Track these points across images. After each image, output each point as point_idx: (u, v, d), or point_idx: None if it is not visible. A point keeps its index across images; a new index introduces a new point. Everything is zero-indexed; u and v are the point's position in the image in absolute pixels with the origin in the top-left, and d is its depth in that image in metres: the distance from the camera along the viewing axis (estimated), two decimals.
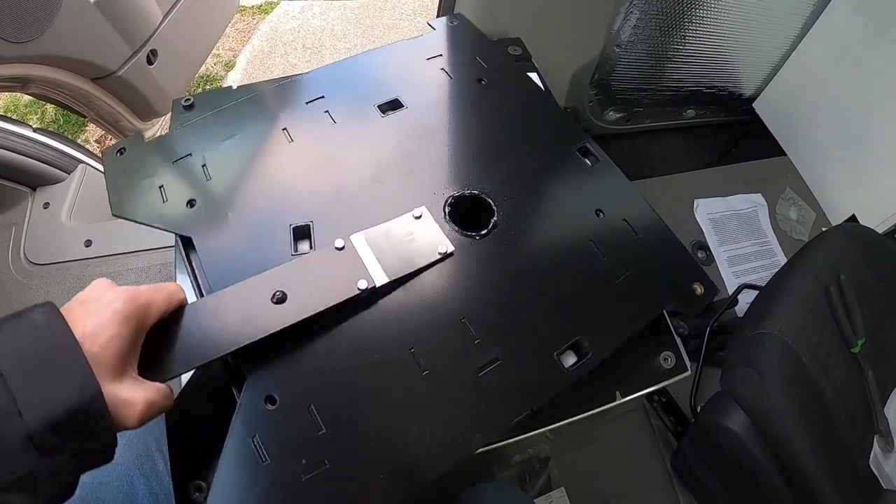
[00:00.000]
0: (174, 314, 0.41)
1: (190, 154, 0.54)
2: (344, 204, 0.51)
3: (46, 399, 0.31)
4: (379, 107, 0.58)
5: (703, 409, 0.73)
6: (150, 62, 1.04)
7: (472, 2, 0.78)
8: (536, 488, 0.77)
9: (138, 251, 0.91)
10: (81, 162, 1.02)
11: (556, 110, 0.61)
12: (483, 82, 0.61)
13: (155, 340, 0.39)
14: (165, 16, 1.06)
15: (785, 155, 1.07)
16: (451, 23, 0.67)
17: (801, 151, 1.05)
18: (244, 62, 1.91)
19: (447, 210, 0.51)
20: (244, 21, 2.00)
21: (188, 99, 0.58)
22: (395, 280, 0.46)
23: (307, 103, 0.58)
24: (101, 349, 0.33)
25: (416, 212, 0.50)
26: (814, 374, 0.65)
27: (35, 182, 0.98)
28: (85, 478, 0.33)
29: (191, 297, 0.48)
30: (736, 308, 0.90)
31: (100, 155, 1.11)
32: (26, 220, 0.94)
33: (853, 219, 0.96)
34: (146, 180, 0.52)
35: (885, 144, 0.90)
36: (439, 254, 0.48)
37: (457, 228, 0.50)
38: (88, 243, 0.92)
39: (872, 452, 0.66)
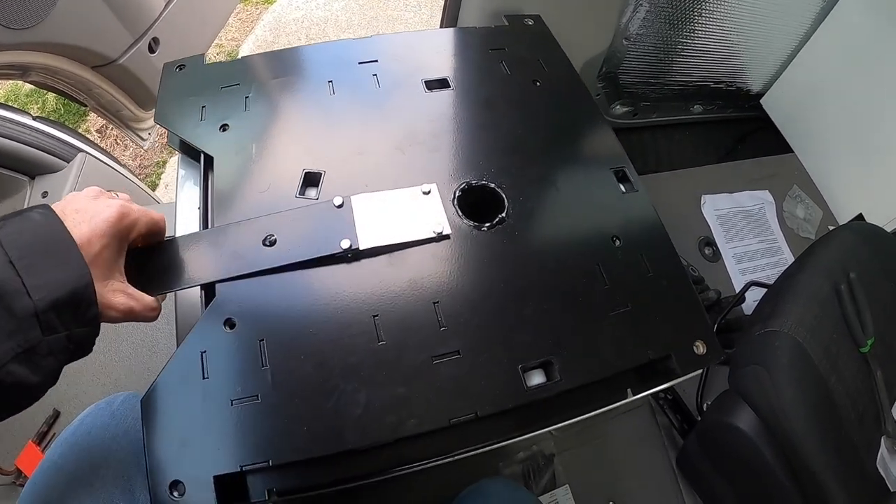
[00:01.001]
0: (182, 240, 0.47)
1: (238, 84, 0.57)
2: (360, 163, 0.53)
3: (50, 283, 0.35)
4: (426, 82, 0.59)
5: (711, 407, 0.73)
6: (151, 50, 1.01)
7: None
8: (541, 486, 0.76)
9: None
10: (81, 151, 1.00)
11: (605, 128, 0.60)
12: (538, 83, 0.61)
13: (155, 259, 0.45)
14: (167, 4, 1.04)
15: (792, 152, 1.06)
16: (528, 21, 0.68)
17: (809, 149, 1.04)
18: (247, 52, 1.89)
19: (457, 194, 0.51)
20: (247, 11, 1.99)
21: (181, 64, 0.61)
22: (379, 246, 0.47)
23: (359, 63, 0.61)
24: (93, 255, 0.38)
25: (426, 187, 0.50)
26: (824, 373, 0.65)
27: (34, 171, 0.97)
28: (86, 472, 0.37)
29: (195, 212, 0.52)
30: (743, 305, 0.90)
31: (100, 145, 1.09)
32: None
33: (860, 217, 0.95)
34: (192, 98, 0.56)
35: (894, 143, 0.89)
36: (434, 233, 0.48)
37: (461, 214, 0.50)
38: None
39: (880, 453, 0.66)
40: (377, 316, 0.44)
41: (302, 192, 0.50)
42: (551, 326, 0.46)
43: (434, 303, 0.45)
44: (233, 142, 0.53)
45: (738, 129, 1.16)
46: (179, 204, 0.55)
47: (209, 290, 0.47)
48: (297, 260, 0.46)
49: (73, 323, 0.37)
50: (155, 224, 0.44)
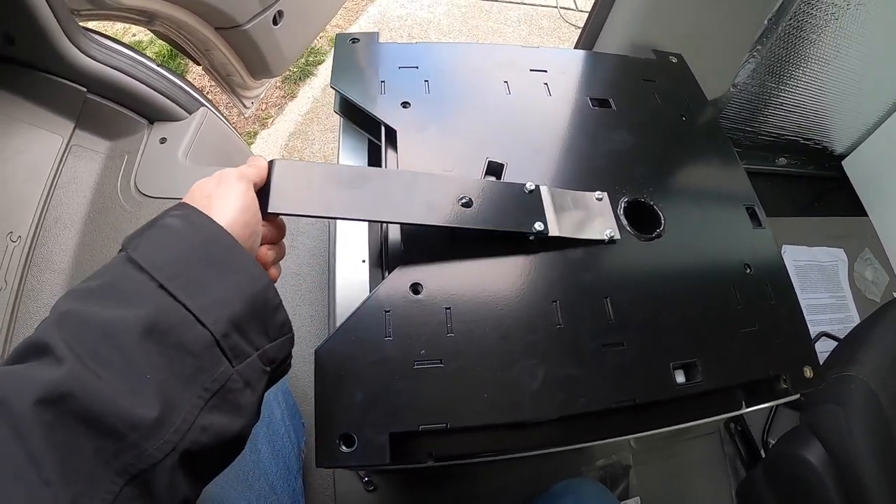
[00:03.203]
0: (369, 170, 0.50)
1: (417, 67, 0.67)
2: (537, 162, 0.62)
3: (219, 299, 0.31)
4: (591, 99, 0.70)
5: (781, 439, 0.85)
6: (275, 22, 1.14)
7: (621, 25, 0.91)
8: (616, 494, 0.88)
9: None
10: (202, 105, 1.09)
11: (740, 170, 0.71)
12: (684, 119, 0.72)
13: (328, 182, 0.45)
14: None
15: (866, 215, 1.21)
16: (672, 59, 0.80)
17: (883, 214, 1.19)
18: None
19: (623, 205, 0.61)
20: (354, 1, 2.15)
21: (355, 38, 0.71)
22: (564, 238, 0.55)
23: (531, 70, 0.71)
24: (243, 238, 0.35)
25: (599, 195, 0.60)
26: (891, 422, 0.78)
27: (154, 115, 1.05)
28: None
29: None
30: None
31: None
32: (140, 151, 1.01)
33: None
34: (370, 70, 0.65)
35: None
36: (607, 235, 0.57)
37: (626, 224, 0.60)
38: None
39: None
40: (556, 301, 0.52)
41: (486, 179, 0.58)
42: (695, 333, 0.55)
43: (605, 298, 0.54)
44: (415, 120, 0.61)
45: (818, 187, 1.31)
46: None
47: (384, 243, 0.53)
48: (492, 228, 0.51)
49: (263, 338, 0.33)
50: (260, 171, 0.42)
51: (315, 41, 1.68)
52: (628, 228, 0.60)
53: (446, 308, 0.49)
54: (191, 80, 1.34)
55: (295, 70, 1.88)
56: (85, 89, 0.97)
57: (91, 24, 1.01)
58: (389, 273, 0.50)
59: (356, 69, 0.66)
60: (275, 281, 0.40)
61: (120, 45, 1.01)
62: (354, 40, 0.69)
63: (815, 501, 0.79)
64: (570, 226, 0.56)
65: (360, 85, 0.64)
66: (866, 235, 1.20)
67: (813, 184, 1.31)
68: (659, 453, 0.91)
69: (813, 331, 1.06)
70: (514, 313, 0.51)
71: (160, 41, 1.35)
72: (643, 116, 0.70)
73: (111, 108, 1.01)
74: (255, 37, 1.12)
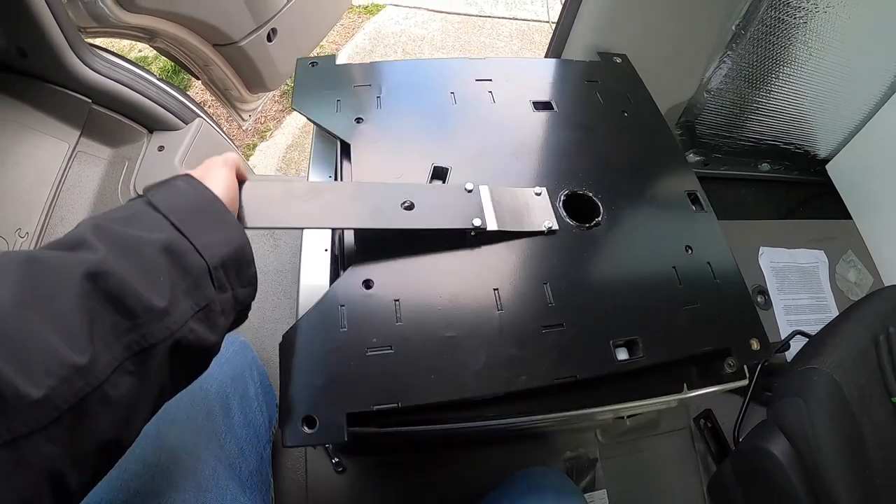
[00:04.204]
0: (317, 184, 0.58)
1: (370, 84, 0.73)
2: (481, 164, 0.67)
3: (213, 242, 0.40)
4: (534, 103, 0.76)
5: (748, 434, 0.88)
6: (269, 39, 1.24)
7: (587, 35, 0.97)
8: (581, 486, 0.91)
9: None
10: (198, 116, 1.18)
11: (681, 159, 0.76)
12: (626, 114, 0.78)
13: (281, 197, 0.52)
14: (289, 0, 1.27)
15: (851, 219, 1.24)
16: (617, 59, 0.87)
17: (867, 217, 1.22)
18: (345, 57, 2.17)
19: (562, 198, 0.66)
20: (350, 18, 2.29)
21: (314, 60, 0.77)
22: (502, 231, 0.59)
23: (476, 80, 0.77)
24: (230, 207, 0.45)
25: (538, 190, 0.65)
26: (856, 413, 0.80)
27: (152, 125, 1.15)
28: (192, 385, 0.42)
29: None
30: (787, 353, 1.06)
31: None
32: (140, 158, 1.10)
33: None
34: (327, 92, 0.71)
35: None
36: (545, 227, 0.62)
37: (565, 215, 0.64)
38: None
39: None
40: (497, 289, 0.57)
41: (431, 183, 0.64)
42: (635, 312, 0.59)
43: (544, 283, 0.59)
44: (367, 133, 0.67)
45: (802, 192, 1.34)
46: (311, 179, 0.70)
47: (341, 247, 0.58)
48: (434, 227, 0.56)
49: (238, 282, 0.42)
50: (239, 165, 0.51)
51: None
52: (567, 219, 0.65)
53: (395, 300, 0.54)
54: (192, 94, 1.45)
55: (292, 85, 1.97)
56: (90, 100, 1.07)
57: (97, 41, 1.12)
58: (344, 271, 0.56)
59: (315, 90, 0.72)
60: None
61: (122, 59, 1.11)
62: (314, 64, 0.76)
63: (780, 494, 0.80)
64: (509, 220, 0.61)
65: (318, 104, 0.70)
66: (849, 238, 1.23)
67: (798, 189, 1.35)
68: (627, 448, 0.94)
69: (790, 330, 1.08)
70: (457, 302, 0.56)
71: (163, 57, 1.47)
72: (585, 115, 0.76)
73: (114, 118, 1.10)
74: (251, 52, 1.22)
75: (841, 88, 1.15)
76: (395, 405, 0.49)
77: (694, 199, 0.72)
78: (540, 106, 0.76)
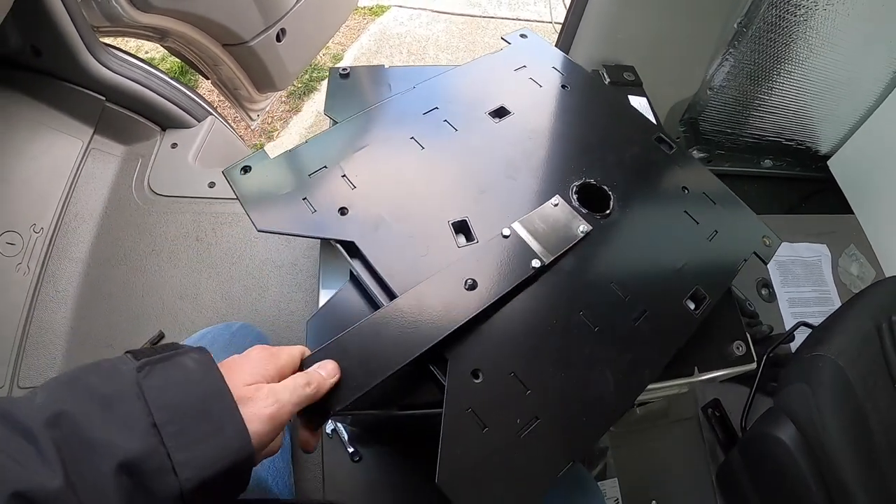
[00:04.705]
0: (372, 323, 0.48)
1: (325, 166, 0.61)
2: (488, 200, 0.62)
3: (200, 458, 0.32)
4: (490, 114, 0.70)
5: (756, 421, 0.90)
6: (278, 39, 1.26)
7: (592, 36, 1.00)
8: (593, 474, 0.94)
9: None
10: (210, 114, 1.22)
11: (630, 108, 0.75)
12: (566, 88, 0.76)
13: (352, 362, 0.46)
14: (297, 1, 1.30)
15: (853, 213, 1.27)
16: (523, 37, 0.82)
17: (869, 212, 1.25)
18: (350, 58, 2.22)
19: (575, 197, 0.65)
20: (355, 19, 2.32)
21: (345, 69, 0.75)
22: (556, 257, 0.58)
23: (424, 114, 0.69)
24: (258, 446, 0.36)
25: (553, 200, 0.63)
26: (861, 398, 0.82)
27: (166, 123, 1.18)
28: None
29: (355, 299, 0.58)
30: (791, 344, 1.08)
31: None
32: (153, 154, 1.14)
33: None
34: (286, 193, 0.58)
35: None
36: (582, 232, 0.61)
37: (586, 211, 0.63)
38: (212, 185, 1.12)
39: None
40: (582, 312, 0.56)
41: (458, 243, 0.58)
42: (683, 265, 0.62)
43: (610, 283, 0.59)
44: (361, 220, 0.58)
45: (804, 188, 1.37)
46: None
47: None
48: (504, 292, 0.53)
49: (220, 496, 0.35)
50: (296, 358, 0.45)
51: (318, 57, 1.83)
52: (588, 215, 0.64)
53: (510, 373, 0.51)
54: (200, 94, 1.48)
55: (299, 86, 2.03)
56: (104, 98, 1.10)
57: (109, 41, 1.15)
58: (443, 376, 0.51)
59: (271, 199, 0.59)
60: (270, 453, 0.42)
61: (136, 58, 1.14)
62: (245, 170, 0.61)
63: (789, 479, 0.82)
64: (555, 243, 0.60)
65: (287, 213, 0.58)
66: (851, 232, 1.26)
67: (800, 185, 1.38)
68: (637, 437, 0.97)
69: (794, 322, 1.11)
70: (560, 340, 0.54)
71: (172, 57, 1.49)
72: (536, 106, 0.74)
73: (127, 116, 1.13)
74: (260, 52, 1.25)
75: (841, 85, 1.18)
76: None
77: (660, 140, 0.73)
78: (496, 114, 0.71)
